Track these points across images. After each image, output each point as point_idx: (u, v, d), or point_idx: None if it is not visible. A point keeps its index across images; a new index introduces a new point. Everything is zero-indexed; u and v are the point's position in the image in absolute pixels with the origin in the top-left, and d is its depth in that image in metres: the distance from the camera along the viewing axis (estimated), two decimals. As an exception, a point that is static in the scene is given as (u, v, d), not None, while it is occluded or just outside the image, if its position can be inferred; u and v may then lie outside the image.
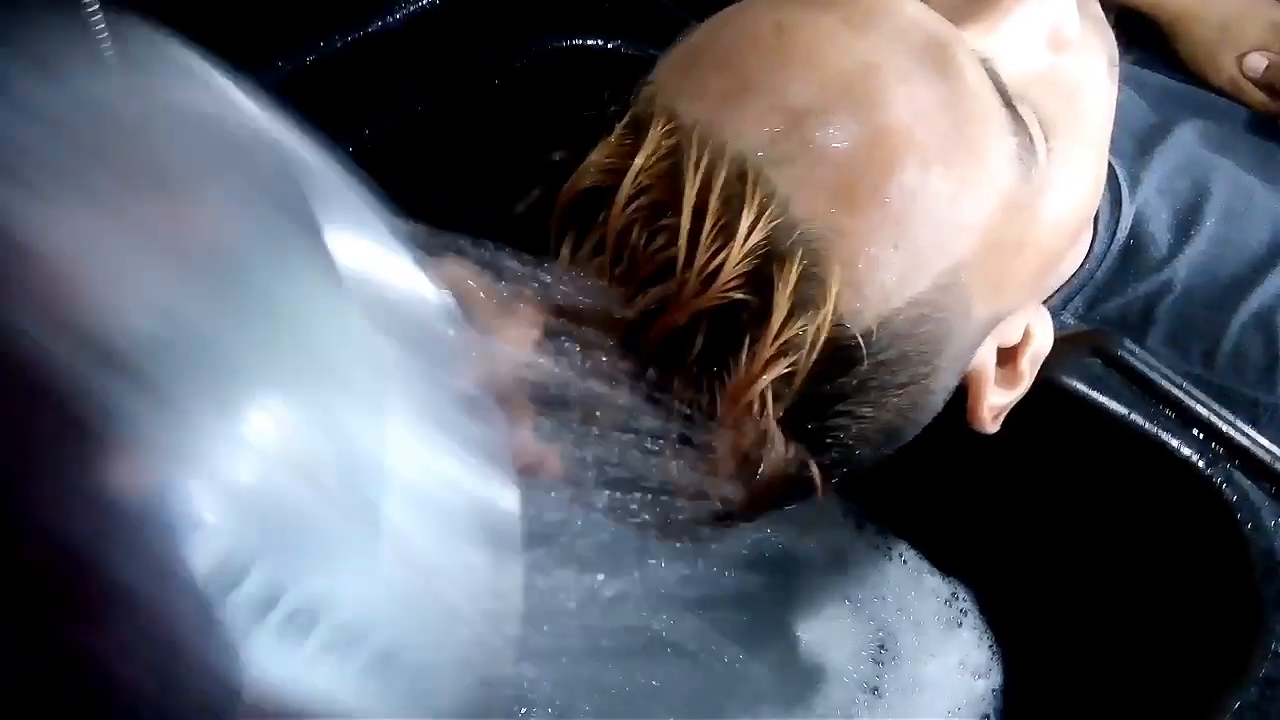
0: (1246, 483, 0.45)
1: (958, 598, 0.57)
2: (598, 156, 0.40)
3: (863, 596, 0.58)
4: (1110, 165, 0.58)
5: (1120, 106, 0.64)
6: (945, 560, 0.58)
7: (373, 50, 0.61)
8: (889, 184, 0.38)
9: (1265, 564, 0.43)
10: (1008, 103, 0.41)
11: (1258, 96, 0.72)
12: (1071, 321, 0.54)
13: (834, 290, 0.38)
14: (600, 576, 0.45)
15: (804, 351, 0.38)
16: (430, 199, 0.62)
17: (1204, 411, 0.47)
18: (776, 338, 0.37)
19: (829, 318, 0.38)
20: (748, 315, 0.38)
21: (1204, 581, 0.46)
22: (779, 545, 0.58)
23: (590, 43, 0.62)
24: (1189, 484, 0.46)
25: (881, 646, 0.56)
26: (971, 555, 0.57)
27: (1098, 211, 0.57)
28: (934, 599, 0.57)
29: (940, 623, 0.56)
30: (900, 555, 0.59)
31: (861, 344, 0.39)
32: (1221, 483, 0.45)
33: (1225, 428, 0.46)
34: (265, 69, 0.59)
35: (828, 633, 0.57)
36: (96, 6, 0.58)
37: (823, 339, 0.38)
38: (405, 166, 0.60)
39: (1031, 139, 0.42)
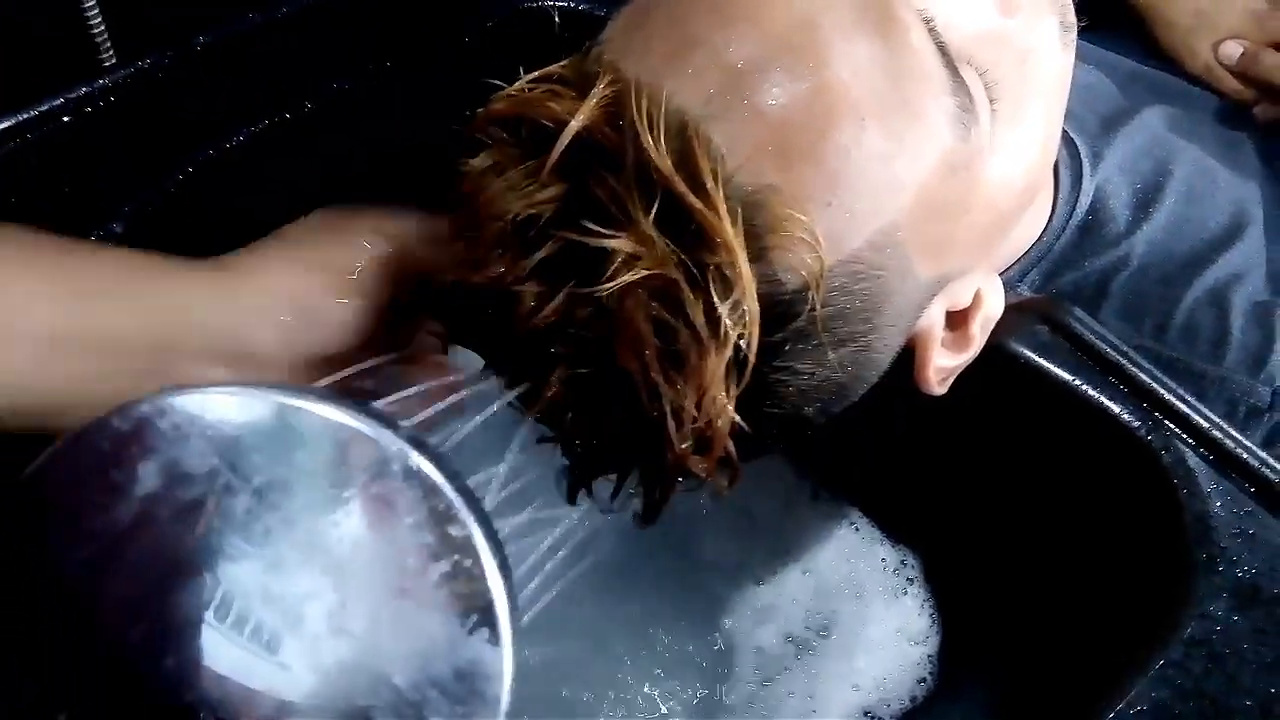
0: (1185, 449, 0.46)
1: (905, 565, 0.58)
2: (526, 85, 0.40)
3: (810, 563, 0.58)
4: (1073, 142, 0.59)
5: (1089, 88, 0.65)
6: (896, 527, 0.59)
7: (345, 5, 0.61)
8: (824, 141, 0.39)
9: (1197, 528, 0.43)
10: (949, 63, 0.41)
11: (1231, 83, 0.72)
12: (1028, 293, 0.55)
13: (769, 245, 0.38)
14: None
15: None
16: (399, 153, 0.63)
17: (1146, 379, 0.47)
18: None
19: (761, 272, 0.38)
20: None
21: (1139, 544, 0.47)
22: (729, 511, 0.59)
23: (560, 4, 0.62)
24: (1129, 449, 0.46)
25: (820, 613, 0.56)
26: (920, 521, 0.57)
27: (1058, 186, 0.57)
28: (881, 566, 0.58)
29: (883, 590, 0.57)
30: (852, 523, 0.60)
31: (795, 299, 0.40)
32: (1160, 449, 0.46)
33: (1166, 395, 0.47)
34: (238, 21, 0.59)
35: (769, 598, 0.57)
36: None
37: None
38: (376, 121, 0.61)
39: (973, 99, 0.42)
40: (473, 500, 0.32)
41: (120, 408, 0.31)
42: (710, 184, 0.37)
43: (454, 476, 0.32)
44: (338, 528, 0.30)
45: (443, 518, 0.31)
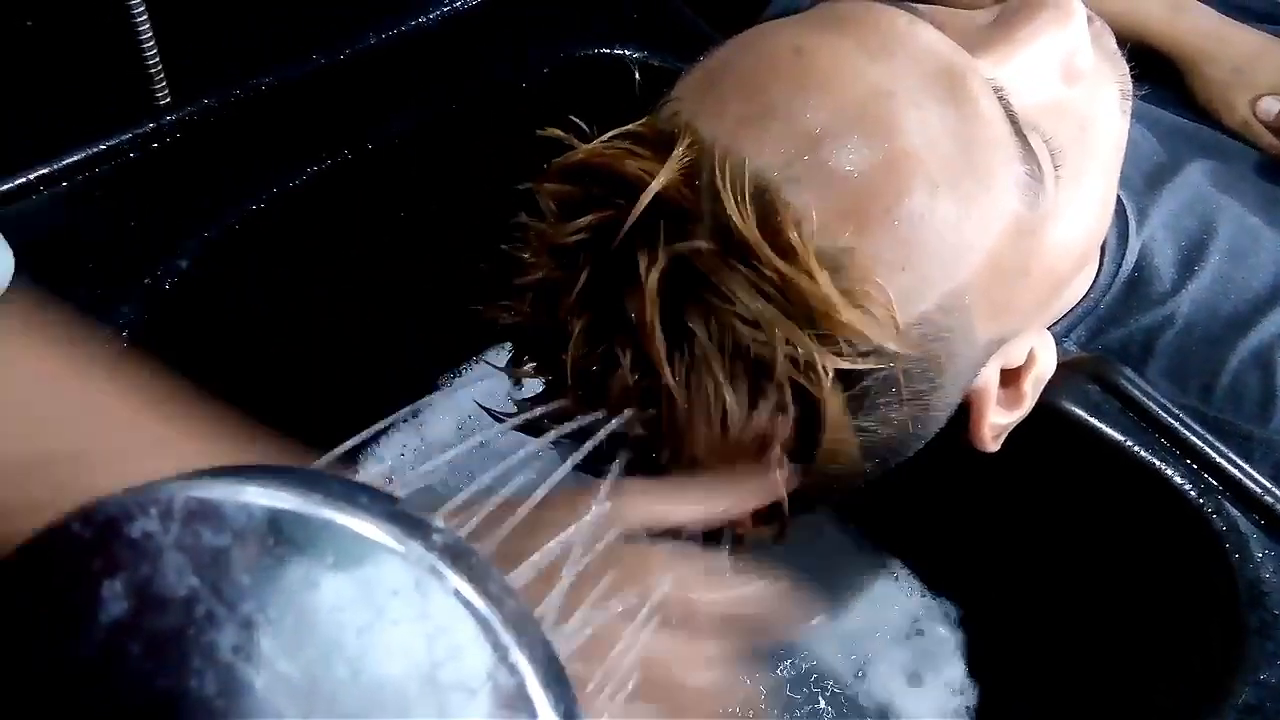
0: (1236, 513, 0.46)
1: (947, 617, 0.58)
2: (602, 143, 0.41)
3: (849, 611, 0.59)
4: (1119, 199, 0.59)
5: (1132, 143, 0.65)
6: (939, 579, 0.59)
7: (405, 50, 0.62)
8: (899, 207, 0.39)
9: (1250, 593, 0.44)
10: (1018, 131, 0.42)
11: (1269, 139, 0.73)
12: (1074, 349, 0.55)
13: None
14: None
15: None
16: (454, 198, 0.64)
17: (1198, 442, 0.48)
18: None
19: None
20: None
21: (1190, 608, 0.47)
22: (773, 558, 0.59)
23: (616, 52, 0.63)
24: (1180, 512, 0.47)
25: (857, 662, 0.56)
26: (964, 574, 0.58)
27: (1105, 243, 0.58)
28: (921, 616, 0.58)
29: (924, 639, 0.57)
30: (894, 573, 0.60)
31: (866, 362, 0.40)
32: (1211, 512, 0.46)
33: (1218, 459, 0.47)
34: (300, 62, 0.60)
35: (808, 645, 0.57)
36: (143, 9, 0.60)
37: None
38: (431, 164, 0.61)
39: (1040, 167, 0.43)
40: (524, 623, 0.25)
41: (83, 508, 0.25)
42: (799, 243, 0.38)
43: (499, 599, 0.25)
44: (347, 670, 0.23)
45: (488, 655, 0.24)
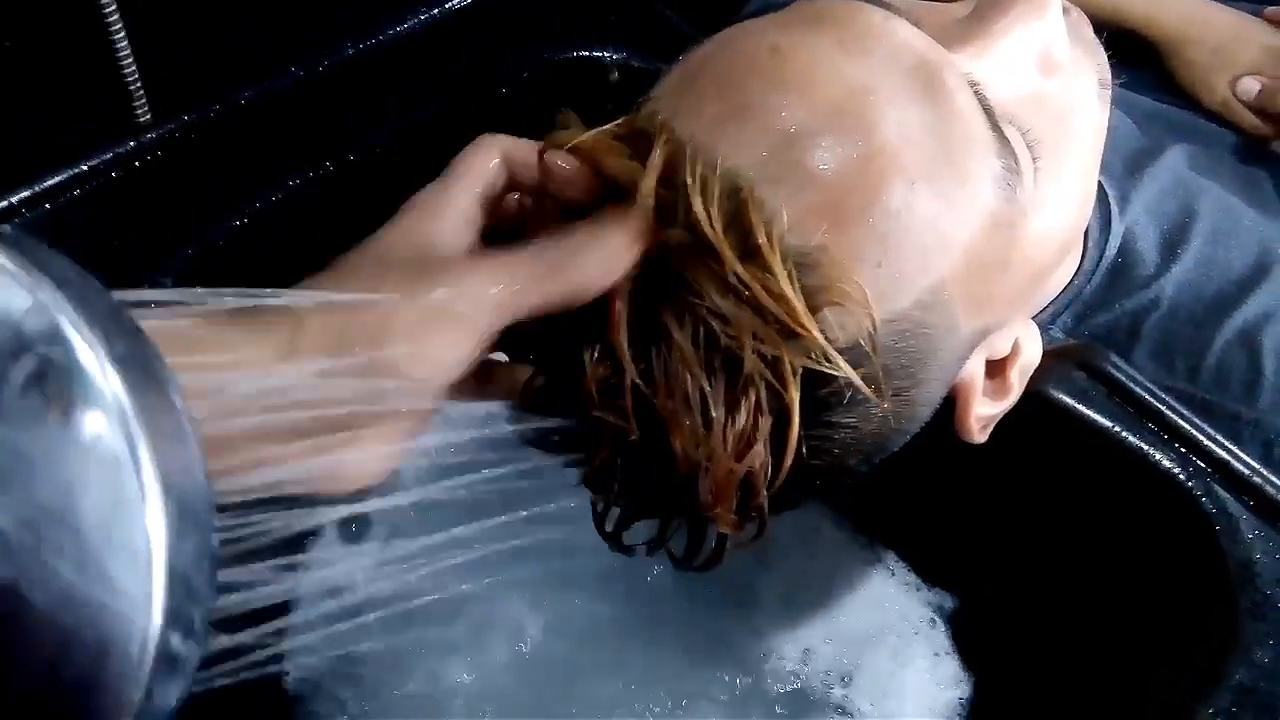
0: (1226, 495, 0.46)
1: (941, 608, 0.58)
2: (585, 137, 0.41)
3: (844, 604, 0.59)
4: (1100, 185, 0.59)
5: (1111, 129, 0.66)
6: (932, 571, 0.59)
7: (384, 58, 0.62)
8: (875, 204, 0.39)
9: (1241, 574, 0.44)
10: (994, 125, 0.42)
11: (1249, 119, 0.73)
12: (1060, 336, 0.55)
13: (819, 304, 0.39)
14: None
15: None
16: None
17: (1186, 425, 0.48)
18: None
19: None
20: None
21: (1182, 591, 0.47)
22: (764, 552, 0.60)
23: (596, 54, 0.63)
24: (1170, 496, 0.47)
25: (854, 654, 0.57)
26: (956, 566, 0.58)
27: (1088, 229, 0.58)
28: (915, 609, 0.58)
29: (917, 634, 0.57)
30: (888, 566, 0.60)
31: (844, 357, 0.40)
32: (1201, 495, 0.46)
33: (1206, 441, 0.47)
34: (279, 76, 0.60)
35: (802, 638, 0.58)
36: (115, 10, 0.59)
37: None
38: (414, 173, 0.61)
39: (1017, 160, 0.43)
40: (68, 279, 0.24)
41: None
42: (764, 242, 0.38)
43: (47, 264, 0.24)
44: None
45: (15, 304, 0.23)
